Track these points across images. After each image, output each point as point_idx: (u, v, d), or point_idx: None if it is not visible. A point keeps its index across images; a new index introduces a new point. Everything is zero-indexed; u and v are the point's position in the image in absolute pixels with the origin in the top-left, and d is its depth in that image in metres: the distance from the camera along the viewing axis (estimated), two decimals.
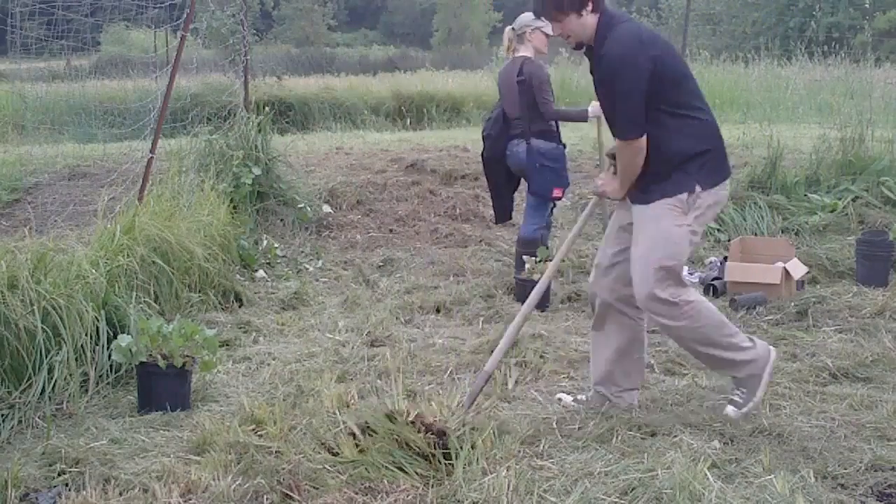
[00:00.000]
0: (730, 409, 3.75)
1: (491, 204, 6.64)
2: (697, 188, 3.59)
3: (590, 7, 3.61)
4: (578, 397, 4.00)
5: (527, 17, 6.02)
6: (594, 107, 6.04)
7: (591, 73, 3.77)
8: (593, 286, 3.92)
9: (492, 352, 4.68)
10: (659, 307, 3.63)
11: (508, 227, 7.41)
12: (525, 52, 5.96)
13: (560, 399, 4.02)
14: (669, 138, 3.58)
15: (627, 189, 3.73)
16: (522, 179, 6.20)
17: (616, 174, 3.85)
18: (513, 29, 6.03)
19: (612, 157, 4.04)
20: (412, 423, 3.25)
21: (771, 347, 3.83)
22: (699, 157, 3.61)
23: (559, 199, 6.13)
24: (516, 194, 6.47)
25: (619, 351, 3.87)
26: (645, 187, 3.67)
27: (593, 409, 3.86)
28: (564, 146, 6.08)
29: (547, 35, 5.97)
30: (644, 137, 3.57)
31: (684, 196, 3.59)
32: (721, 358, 3.72)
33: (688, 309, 3.62)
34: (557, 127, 6.06)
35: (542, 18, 3.73)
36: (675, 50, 3.69)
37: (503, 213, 6.46)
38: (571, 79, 15.31)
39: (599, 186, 3.89)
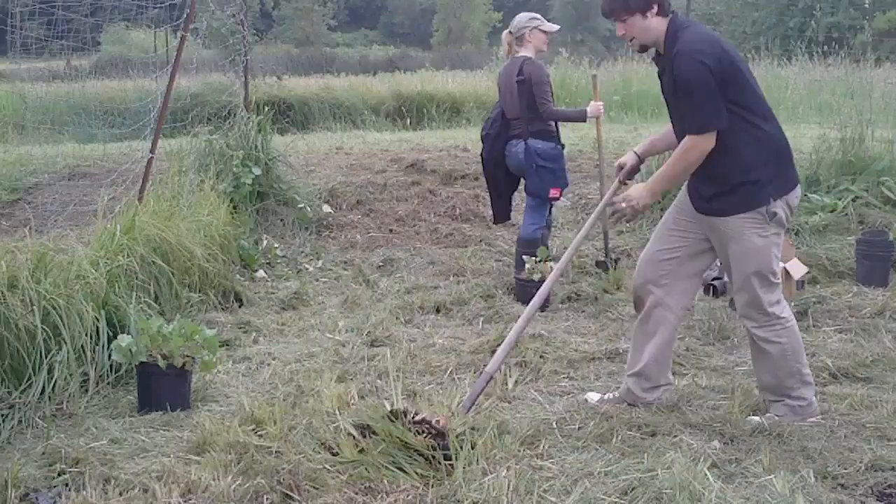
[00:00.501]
0: (755, 418, 3.76)
1: (490, 204, 6.64)
2: (772, 200, 3.61)
3: (655, 9, 3.63)
4: (606, 396, 4.00)
5: (522, 18, 6.00)
6: (592, 107, 6.05)
7: (660, 76, 3.77)
8: (642, 283, 3.91)
9: (492, 352, 4.69)
10: (758, 317, 3.72)
11: (508, 227, 7.41)
12: (525, 52, 5.96)
13: (587, 400, 4.02)
14: (741, 144, 3.60)
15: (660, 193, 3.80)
16: (522, 180, 6.21)
17: (638, 183, 3.87)
18: (510, 32, 6.02)
19: (627, 171, 4.01)
20: (413, 423, 3.25)
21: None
22: (769, 167, 3.62)
23: (557, 199, 6.12)
24: (516, 194, 6.47)
25: (658, 347, 3.89)
26: (713, 196, 3.68)
27: (621, 403, 3.90)
28: (563, 146, 6.08)
29: (545, 33, 5.96)
30: (715, 136, 3.57)
31: (763, 209, 3.61)
32: (789, 386, 3.77)
33: (780, 322, 3.72)
34: (557, 127, 6.06)
35: (611, 18, 3.75)
36: (741, 59, 3.73)
37: (502, 214, 6.46)
38: (571, 79, 15.30)
39: (632, 201, 3.79)
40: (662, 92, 3.81)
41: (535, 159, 5.87)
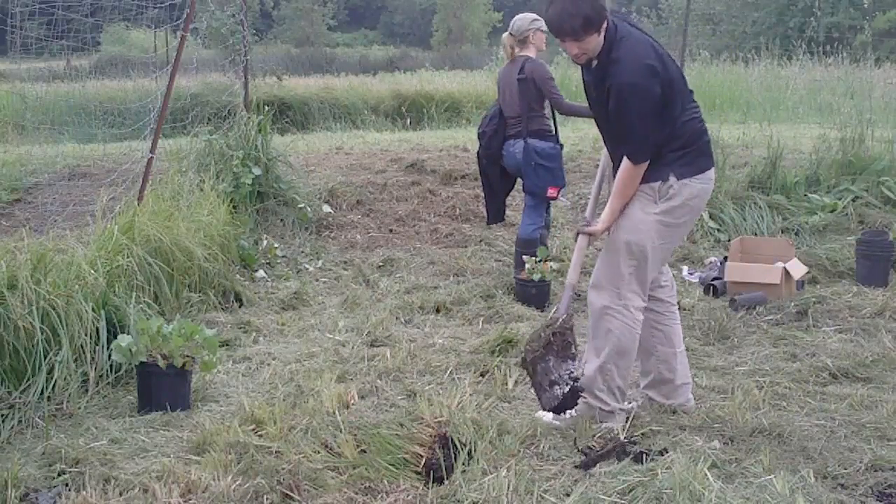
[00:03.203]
0: (547, 415, 3.67)
1: (485, 204, 6.61)
2: (672, 178, 3.58)
3: (605, 24, 3.53)
4: (626, 405, 3.84)
5: (525, 20, 5.98)
6: None
7: (585, 76, 3.69)
8: None
9: (492, 352, 4.71)
10: (608, 289, 3.62)
11: (508, 227, 7.41)
12: (527, 52, 5.95)
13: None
14: (659, 143, 3.57)
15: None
16: (518, 181, 6.20)
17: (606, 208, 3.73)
18: (511, 35, 5.99)
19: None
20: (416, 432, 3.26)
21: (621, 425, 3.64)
22: (680, 150, 3.60)
23: (554, 198, 6.10)
24: (515, 193, 6.45)
25: (649, 348, 3.85)
26: None
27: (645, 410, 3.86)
28: (562, 146, 6.07)
29: (546, 32, 5.96)
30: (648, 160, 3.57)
31: (656, 184, 3.59)
32: (594, 382, 3.64)
33: (626, 312, 3.60)
34: (556, 127, 6.06)
35: (567, 38, 3.54)
36: (672, 60, 3.64)
37: (497, 214, 6.43)
38: (572, 78, 15.30)
39: (592, 228, 3.74)
40: (589, 100, 3.76)
41: (534, 158, 5.86)
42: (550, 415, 3.65)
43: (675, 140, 3.60)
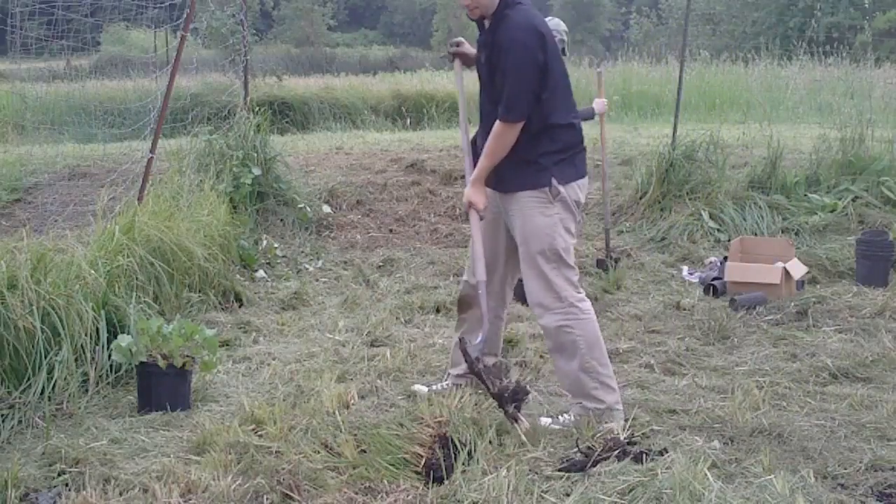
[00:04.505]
0: (546, 419, 3.70)
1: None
2: (554, 181, 3.64)
3: None
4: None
5: (556, 24, 5.90)
6: (598, 104, 6.06)
7: (479, 42, 3.81)
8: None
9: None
10: (551, 302, 3.65)
11: None
12: None
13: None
14: (538, 128, 3.63)
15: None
16: None
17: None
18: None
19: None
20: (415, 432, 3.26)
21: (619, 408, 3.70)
22: (557, 154, 3.67)
23: None
24: None
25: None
26: (502, 173, 3.72)
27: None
28: None
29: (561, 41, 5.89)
30: (522, 122, 3.61)
31: (545, 189, 3.65)
32: (584, 384, 3.67)
33: (575, 311, 3.65)
34: None
35: None
36: (559, 54, 3.76)
37: None
38: (571, 78, 15.29)
39: (468, 204, 3.81)
40: (478, 63, 3.84)
41: None
42: (549, 419, 3.67)
43: (555, 143, 3.66)
